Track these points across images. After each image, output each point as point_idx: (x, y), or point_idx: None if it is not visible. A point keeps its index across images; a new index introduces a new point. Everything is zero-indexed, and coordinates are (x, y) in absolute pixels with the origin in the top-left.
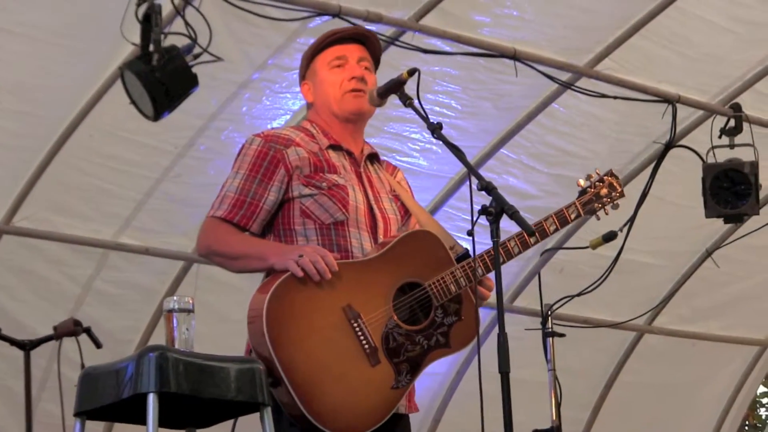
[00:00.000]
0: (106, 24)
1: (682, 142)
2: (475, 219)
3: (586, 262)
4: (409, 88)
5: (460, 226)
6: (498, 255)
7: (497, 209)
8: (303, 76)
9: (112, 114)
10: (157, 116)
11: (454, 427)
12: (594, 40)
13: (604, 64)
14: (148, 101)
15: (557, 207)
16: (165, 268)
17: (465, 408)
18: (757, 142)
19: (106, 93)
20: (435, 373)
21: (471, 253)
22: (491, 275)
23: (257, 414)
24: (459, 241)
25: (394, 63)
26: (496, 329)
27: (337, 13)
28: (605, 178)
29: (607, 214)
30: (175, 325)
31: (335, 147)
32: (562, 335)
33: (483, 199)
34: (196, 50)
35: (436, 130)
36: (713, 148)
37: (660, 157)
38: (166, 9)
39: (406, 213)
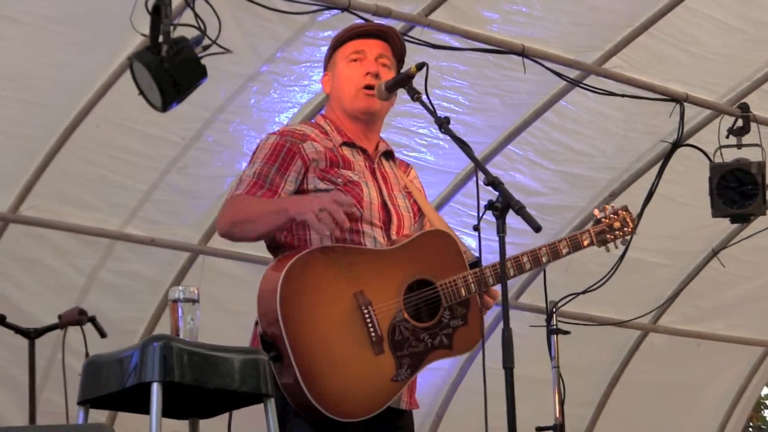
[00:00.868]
0: (115, 14)
1: (689, 142)
2: (481, 214)
3: (592, 260)
4: (417, 82)
5: (466, 221)
6: (503, 250)
7: (503, 204)
8: (325, 67)
9: (120, 104)
10: (165, 107)
11: (457, 423)
12: (603, 37)
13: (612, 62)
14: (156, 92)
15: (563, 204)
16: (170, 259)
17: (468, 404)
18: (764, 142)
19: (114, 83)
20: (439, 369)
21: (478, 249)
22: (498, 287)
23: (261, 405)
24: (465, 237)
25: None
26: (500, 326)
27: (347, 7)
28: (620, 211)
29: (617, 247)
30: (180, 314)
31: (348, 144)
32: (566, 332)
33: (490, 194)
34: (205, 42)
35: (443, 124)
36: (720, 147)
37: (667, 156)
38: (176, 0)
39: (419, 211)
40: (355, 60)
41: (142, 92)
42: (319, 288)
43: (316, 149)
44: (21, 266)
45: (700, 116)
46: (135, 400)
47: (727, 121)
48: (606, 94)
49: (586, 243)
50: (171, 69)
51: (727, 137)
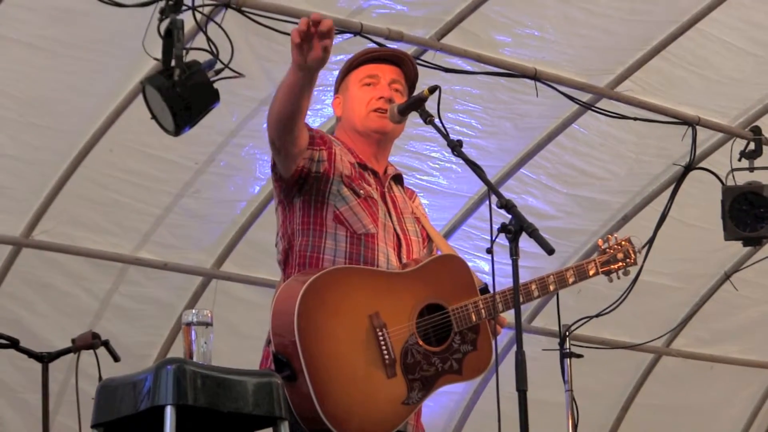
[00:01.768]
0: (128, 39)
1: (701, 165)
2: (494, 237)
3: (605, 284)
4: (430, 106)
5: (478, 245)
6: (516, 273)
7: (517, 227)
8: (336, 90)
9: (132, 129)
10: (177, 131)
11: None
12: (615, 61)
13: (624, 85)
14: (168, 116)
15: (576, 228)
16: (183, 284)
17: (482, 427)
18: None
19: (127, 108)
20: (452, 392)
21: (489, 276)
22: (507, 313)
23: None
24: (477, 260)
25: None
26: (514, 349)
27: (359, 31)
28: (623, 242)
29: (618, 278)
30: (193, 338)
31: (360, 165)
32: (579, 356)
33: (502, 217)
34: (218, 66)
35: (456, 147)
36: (733, 170)
37: (679, 179)
38: (188, 25)
39: (427, 237)
40: (369, 84)
41: (154, 116)
42: (335, 307)
43: (343, 157)
44: (34, 290)
45: (713, 139)
46: (148, 424)
47: (740, 144)
48: (618, 118)
49: (591, 272)
50: (183, 93)
51: (740, 160)
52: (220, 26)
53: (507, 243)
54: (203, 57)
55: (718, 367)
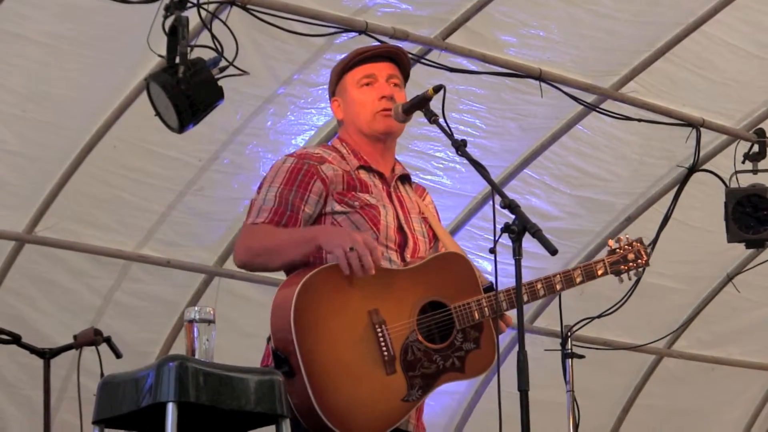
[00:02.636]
0: (132, 36)
1: (705, 167)
2: (497, 237)
3: (607, 285)
4: (435, 105)
5: (482, 245)
6: (519, 273)
7: (520, 227)
8: (332, 93)
9: (136, 126)
10: (181, 129)
11: None
12: (619, 62)
13: (629, 86)
14: (173, 113)
15: (579, 229)
16: (186, 281)
17: (483, 427)
18: None
19: (131, 104)
20: (454, 392)
21: (492, 276)
22: (511, 313)
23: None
24: (481, 260)
25: (419, 81)
26: (516, 349)
27: (364, 30)
28: (634, 243)
29: (630, 279)
30: (195, 335)
31: (365, 168)
32: (581, 357)
33: (506, 218)
34: (222, 64)
35: (460, 147)
36: (736, 173)
37: (683, 181)
38: (193, 22)
39: (434, 236)
40: (367, 84)
41: (158, 113)
42: (333, 304)
43: (334, 171)
44: (37, 286)
45: (716, 141)
46: (150, 421)
47: (743, 147)
48: (622, 119)
49: (600, 273)
50: (187, 90)
51: (743, 162)
52: (225, 24)
53: (510, 243)
54: (208, 54)
55: (719, 369)
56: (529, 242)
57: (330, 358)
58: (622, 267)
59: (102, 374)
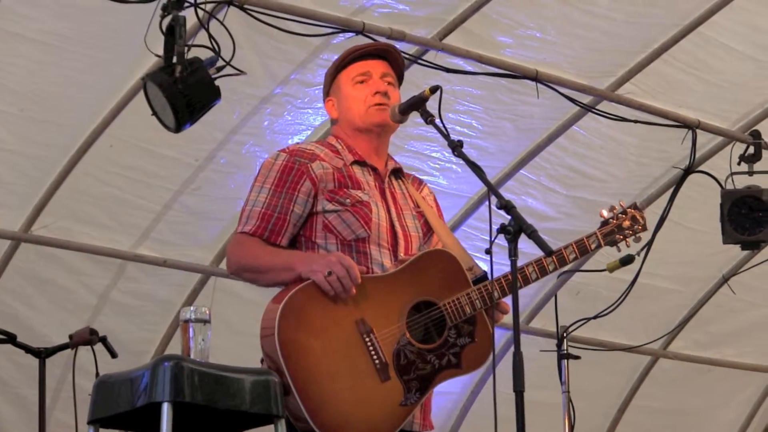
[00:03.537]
0: (130, 35)
1: (701, 168)
2: (493, 238)
3: (603, 286)
4: (431, 106)
5: (478, 245)
6: (515, 274)
7: (516, 228)
8: (327, 93)
9: (133, 125)
10: (178, 128)
11: None
12: (616, 63)
13: (625, 87)
14: (170, 113)
15: (575, 229)
16: (182, 281)
17: (478, 428)
18: None
19: (128, 104)
20: (449, 393)
21: (489, 273)
22: (506, 299)
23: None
24: (477, 260)
25: (416, 81)
26: (511, 350)
27: (361, 30)
28: (629, 210)
29: (628, 246)
30: (191, 335)
31: (360, 163)
32: (577, 357)
33: (502, 218)
34: (219, 63)
35: (456, 147)
36: (732, 174)
37: (679, 183)
38: (190, 22)
39: (428, 230)
40: (361, 82)
41: (155, 113)
42: (319, 318)
43: (324, 169)
44: (32, 285)
45: (712, 143)
46: (145, 420)
47: (739, 148)
48: (619, 120)
49: (593, 246)
50: (184, 90)
51: (739, 164)
52: (222, 23)
53: (506, 244)
54: (205, 54)
55: (715, 370)
56: (525, 243)
57: (321, 375)
58: (618, 237)
59: (97, 374)
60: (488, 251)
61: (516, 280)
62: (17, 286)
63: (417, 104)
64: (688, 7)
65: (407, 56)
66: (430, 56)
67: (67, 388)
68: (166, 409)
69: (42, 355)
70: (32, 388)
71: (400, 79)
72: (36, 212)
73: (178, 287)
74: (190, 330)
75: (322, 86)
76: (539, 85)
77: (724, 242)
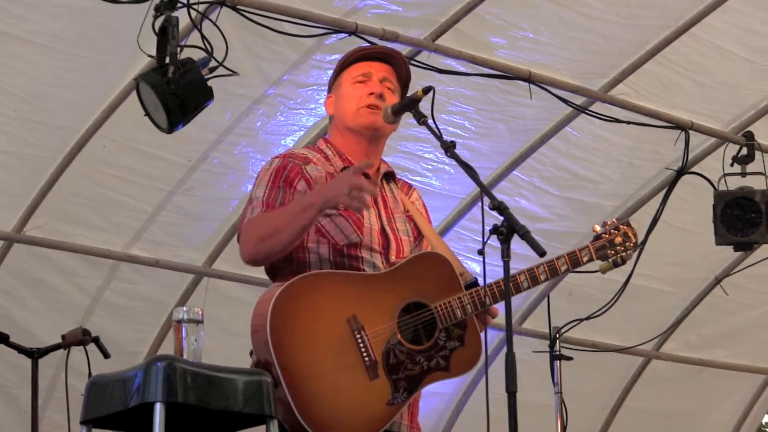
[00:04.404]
0: (122, 35)
1: (694, 169)
2: (486, 239)
3: (596, 287)
4: (424, 107)
5: (470, 246)
6: (508, 275)
7: (508, 229)
8: (330, 89)
9: (126, 125)
10: (171, 128)
11: None
12: (609, 64)
13: (618, 89)
14: (162, 113)
15: (568, 230)
16: (175, 281)
17: (471, 429)
18: None
19: (120, 104)
20: (441, 394)
21: (480, 277)
22: (497, 305)
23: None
24: (469, 261)
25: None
26: (504, 351)
27: (354, 31)
28: (621, 226)
29: (620, 262)
30: (183, 335)
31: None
32: (569, 359)
33: (495, 219)
34: (212, 64)
35: (449, 148)
36: (725, 175)
37: (672, 184)
38: (183, 22)
39: (419, 234)
40: (361, 81)
41: (148, 113)
42: (311, 315)
43: (318, 172)
44: (25, 286)
45: (705, 144)
46: (138, 421)
47: (732, 149)
48: (612, 121)
49: (585, 259)
50: (177, 90)
51: (732, 165)
52: (215, 24)
53: (499, 245)
54: (198, 55)
55: (707, 372)
56: (517, 244)
57: (310, 370)
58: (610, 252)
59: (90, 374)
60: (481, 252)
61: (508, 280)
62: (10, 286)
63: (410, 105)
64: (681, 9)
65: None
66: (423, 57)
67: (59, 388)
68: (158, 410)
69: (35, 355)
70: (25, 388)
71: (404, 88)
72: (29, 213)
73: (171, 288)
74: (183, 330)
75: (314, 87)
76: (532, 86)
77: (717, 243)
